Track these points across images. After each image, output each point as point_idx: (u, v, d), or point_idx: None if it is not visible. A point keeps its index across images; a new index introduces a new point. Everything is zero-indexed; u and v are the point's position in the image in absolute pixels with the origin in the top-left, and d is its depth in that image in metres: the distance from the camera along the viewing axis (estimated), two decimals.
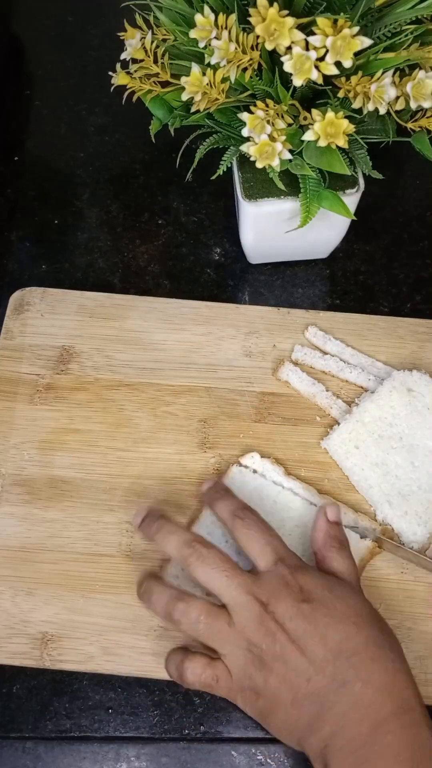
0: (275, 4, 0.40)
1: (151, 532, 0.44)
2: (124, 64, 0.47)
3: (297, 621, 0.39)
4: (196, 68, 0.44)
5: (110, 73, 0.48)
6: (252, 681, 0.39)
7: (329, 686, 0.38)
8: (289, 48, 0.41)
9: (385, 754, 0.36)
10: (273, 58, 0.43)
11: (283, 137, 0.45)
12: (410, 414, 0.51)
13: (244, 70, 0.43)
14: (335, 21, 0.40)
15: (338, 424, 0.52)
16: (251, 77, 0.44)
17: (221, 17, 0.42)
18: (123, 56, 0.47)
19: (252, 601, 0.40)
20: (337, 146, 0.44)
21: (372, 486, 0.50)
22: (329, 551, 0.44)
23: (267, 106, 0.44)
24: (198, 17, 0.42)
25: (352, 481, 0.51)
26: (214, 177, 0.49)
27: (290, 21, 0.40)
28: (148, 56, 0.46)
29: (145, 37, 0.46)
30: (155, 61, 0.46)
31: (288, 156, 0.45)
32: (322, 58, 0.41)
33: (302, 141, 0.45)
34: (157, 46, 0.46)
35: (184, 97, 0.45)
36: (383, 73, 0.42)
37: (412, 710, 0.38)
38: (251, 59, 0.43)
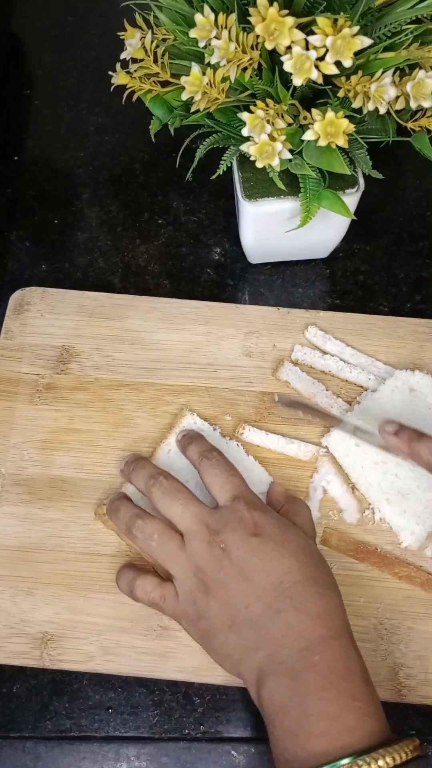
0: (275, 4, 0.40)
1: (128, 472, 0.48)
2: (124, 64, 0.47)
3: (243, 551, 0.41)
4: (196, 68, 0.44)
5: (110, 72, 0.48)
6: (196, 605, 0.41)
7: (266, 613, 0.40)
8: (289, 47, 0.41)
9: (317, 668, 0.38)
10: (273, 57, 0.43)
11: (283, 137, 0.45)
12: (411, 414, 0.51)
13: (244, 69, 0.43)
14: (335, 20, 0.40)
15: (340, 421, 0.52)
16: (251, 77, 0.44)
17: (221, 17, 0.42)
18: (123, 56, 0.47)
19: (203, 529, 0.42)
20: (337, 146, 0.44)
21: (371, 484, 0.50)
22: (291, 503, 0.47)
23: (267, 105, 0.44)
24: (198, 17, 0.42)
25: (352, 478, 0.51)
26: (214, 177, 0.49)
27: (290, 20, 0.40)
28: (148, 56, 0.46)
29: (145, 37, 0.46)
30: (155, 61, 0.46)
31: (288, 156, 0.45)
32: (322, 58, 0.41)
33: (302, 141, 0.45)
34: (157, 46, 0.46)
35: (184, 96, 0.45)
36: (383, 72, 0.42)
37: (342, 636, 0.39)
38: (251, 59, 0.43)
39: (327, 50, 0.41)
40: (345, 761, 0.34)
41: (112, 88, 0.48)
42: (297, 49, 0.41)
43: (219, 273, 0.61)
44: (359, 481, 0.50)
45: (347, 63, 0.41)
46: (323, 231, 0.55)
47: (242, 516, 0.42)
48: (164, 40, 0.46)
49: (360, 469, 0.50)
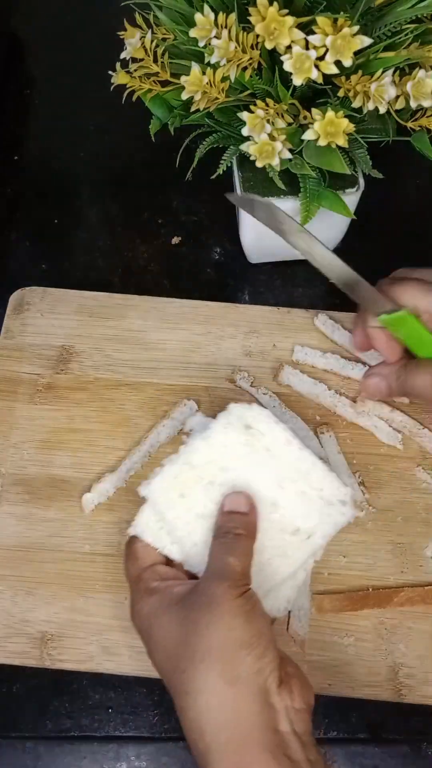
0: (275, 3, 0.40)
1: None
2: (124, 64, 0.47)
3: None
4: (195, 67, 0.44)
5: (110, 72, 0.48)
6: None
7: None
8: (289, 47, 0.41)
9: None
10: (273, 57, 0.43)
11: (283, 136, 0.45)
12: (247, 456, 0.43)
13: (244, 69, 0.43)
14: (335, 20, 0.40)
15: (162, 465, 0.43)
16: (251, 76, 0.44)
17: (221, 16, 0.42)
18: (123, 55, 0.47)
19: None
20: (337, 145, 0.44)
21: (197, 543, 0.42)
22: (218, 548, 0.40)
23: (267, 105, 0.44)
24: (198, 16, 0.42)
25: (174, 536, 0.42)
26: (214, 176, 0.49)
27: (290, 20, 0.40)
28: (148, 55, 0.46)
29: (144, 37, 0.46)
30: (155, 61, 0.46)
31: (288, 155, 0.45)
32: (322, 57, 0.41)
33: (302, 140, 0.45)
34: (157, 46, 0.46)
35: (184, 96, 0.45)
36: (383, 72, 0.42)
37: None
38: (251, 58, 0.43)
39: (327, 50, 0.41)
40: None
41: (112, 88, 0.48)
42: (297, 49, 0.41)
43: (219, 273, 0.61)
44: (184, 539, 0.42)
45: (347, 62, 0.41)
46: (323, 231, 0.55)
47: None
48: (164, 39, 0.46)
49: (185, 525, 0.42)
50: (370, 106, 0.43)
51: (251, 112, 0.44)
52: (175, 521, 0.42)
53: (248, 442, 0.43)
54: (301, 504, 0.42)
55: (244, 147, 0.46)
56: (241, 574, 0.38)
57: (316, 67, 0.41)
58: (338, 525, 0.43)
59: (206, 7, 0.42)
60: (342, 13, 0.41)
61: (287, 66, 0.41)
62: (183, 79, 0.44)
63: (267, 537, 0.42)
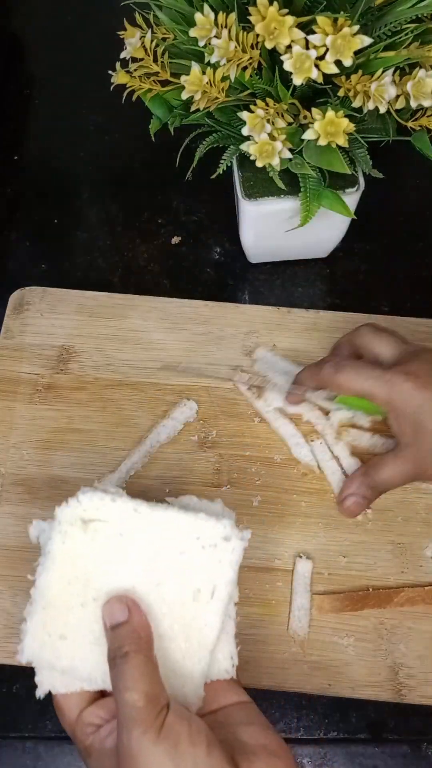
0: (275, 3, 0.40)
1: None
2: (124, 63, 0.47)
3: None
4: (195, 67, 0.43)
5: (110, 72, 0.48)
6: None
7: None
8: (289, 47, 0.41)
9: None
10: (273, 56, 0.43)
11: (283, 136, 0.45)
12: (101, 554, 0.37)
13: (244, 68, 0.43)
14: (335, 20, 0.40)
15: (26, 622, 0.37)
16: (251, 76, 0.44)
17: (221, 16, 0.42)
18: (123, 55, 0.47)
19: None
20: (337, 145, 0.44)
21: (101, 662, 0.36)
22: (114, 682, 0.34)
23: (267, 104, 0.44)
24: (198, 16, 0.42)
25: (80, 674, 0.36)
26: (214, 176, 0.49)
27: (290, 20, 0.40)
28: (148, 55, 0.46)
29: (144, 36, 0.46)
30: (155, 60, 0.46)
31: (288, 155, 0.45)
32: (322, 57, 0.41)
33: (302, 140, 0.45)
34: (157, 45, 0.46)
35: (184, 96, 0.45)
36: (383, 71, 0.42)
37: None
38: (251, 58, 0.43)
39: (327, 49, 0.41)
40: None
41: (111, 88, 0.48)
42: (297, 48, 0.41)
43: (219, 272, 0.61)
44: (92, 672, 0.36)
45: (347, 62, 0.41)
46: (323, 230, 0.55)
47: None
48: (164, 39, 0.46)
49: (83, 661, 0.36)
50: (370, 105, 0.43)
51: (251, 111, 0.44)
52: (73, 663, 0.36)
53: (95, 538, 0.37)
54: (185, 565, 0.37)
55: (244, 147, 0.46)
56: (147, 706, 0.32)
57: (316, 66, 0.41)
58: (234, 562, 0.37)
59: (206, 7, 0.42)
60: (342, 12, 0.41)
61: (287, 66, 0.41)
62: (183, 78, 0.44)
63: (170, 619, 0.36)
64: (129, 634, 0.35)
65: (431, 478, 0.47)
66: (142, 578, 0.37)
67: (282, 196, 0.51)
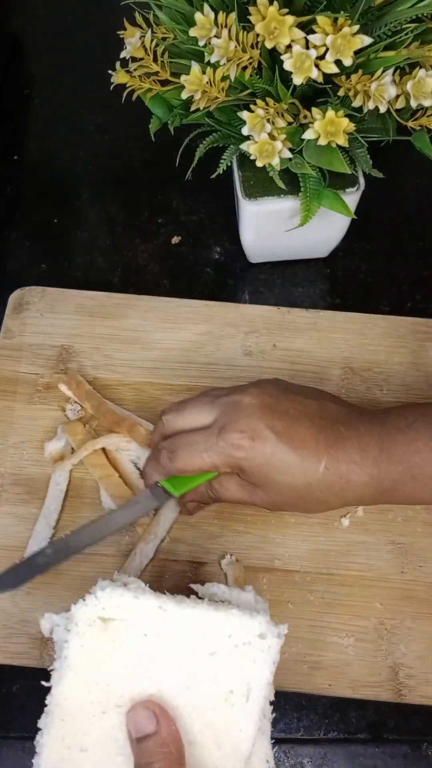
0: (275, 3, 0.40)
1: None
2: (124, 63, 0.47)
3: None
4: (195, 67, 0.43)
5: (110, 71, 0.48)
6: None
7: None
8: (289, 46, 0.41)
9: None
10: (273, 56, 0.43)
11: (283, 136, 0.45)
12: (124, 658, 0.35)
13: (244, 68, 0.43)
14: (335, 19, 0.40)
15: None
16: (251, 76, 0.44)
17: (221, 15, 0.42)
18: (123, 55, 0.47)
19: None
20: (338, 145, 0.44)
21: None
22: None
23: (267, 104, 0.44)
24: (198, 16, 0.42)
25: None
26: (213, 176, 0.49)
27: (290, 19, 0.40)
28: (148, 55, 0.46)
29: (144, 36, 0.46)
30: (155, 60, 0.46)
31: (288, 154, 0.45)
32: (322, 57, 0.41)
33: (302, 139, 0.45)
34: (157, 45, 0.46)
35: (184, 95, 0.45)
36: (383, 71, 0.42)
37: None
38: (251, 58, 0.43)
39: (327, 49, 0.41)
40: None
41: (111, 87, 0.48)
42: (297, 48, 0.41)
43: (219, 272, 0.61)
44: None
45: (347, 62, 0.41)
46: (323, 230, 0.55)
47: None
48: (164, 38, 0.46)
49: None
50: (371, 105, 0.43)
51: (251, 111, 0.44)
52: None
53: (116, 639, 0.34)
54: (216, 667, 0.34)
55: (244, 146, 0.45)
56: None
57: (317, 66, 0.41)
58: (271, 662, 0.34)
59: (206, 7, 0.42)
60: (342, 12, 0.41)
61: (287, 65, 0.41)
62: (183, 78, 0.44)
63: (200, 724, 0.34)
64: (158, 747, 0.32)
65: (306, 512, 0.47)
66: (169, 681, 0.34)
67: (282, 195, 0.51)
